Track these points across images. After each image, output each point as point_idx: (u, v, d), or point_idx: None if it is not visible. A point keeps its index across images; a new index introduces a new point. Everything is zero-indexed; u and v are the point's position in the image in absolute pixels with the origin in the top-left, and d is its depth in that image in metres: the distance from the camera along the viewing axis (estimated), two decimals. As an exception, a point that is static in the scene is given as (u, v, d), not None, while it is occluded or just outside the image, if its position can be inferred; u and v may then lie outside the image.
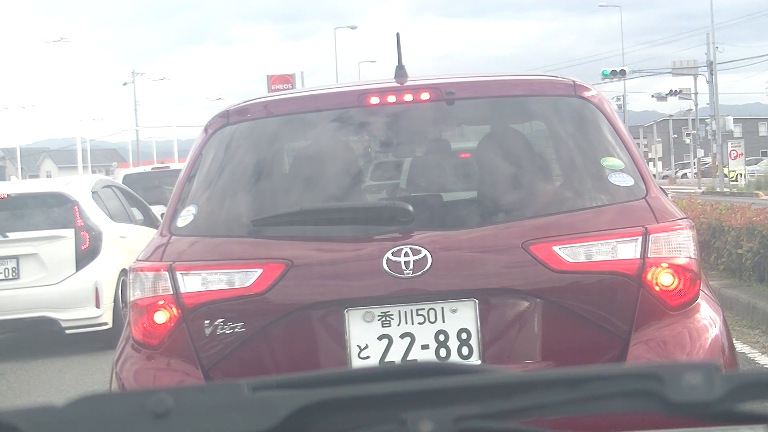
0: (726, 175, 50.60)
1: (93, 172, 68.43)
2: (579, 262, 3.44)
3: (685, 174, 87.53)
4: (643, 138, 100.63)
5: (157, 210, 12.29)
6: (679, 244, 3.50)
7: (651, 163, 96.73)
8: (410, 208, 3.48)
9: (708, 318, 3.52)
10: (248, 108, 3.97)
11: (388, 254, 3.43)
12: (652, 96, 66.35)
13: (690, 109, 72.70)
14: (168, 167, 20.79)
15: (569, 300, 3.44)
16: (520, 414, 1.22)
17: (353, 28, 68.44)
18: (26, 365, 10.48)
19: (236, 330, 3.48)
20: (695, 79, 60.09)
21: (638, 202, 3.58)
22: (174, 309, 3.52)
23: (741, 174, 52.09)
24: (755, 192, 43.51)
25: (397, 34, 4.10)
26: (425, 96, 3.82)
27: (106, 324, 10.76)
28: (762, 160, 77.61)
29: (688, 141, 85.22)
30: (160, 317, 3.53)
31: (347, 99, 3.93)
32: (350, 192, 3.86)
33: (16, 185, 12.52)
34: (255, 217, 3.64)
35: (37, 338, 12.30)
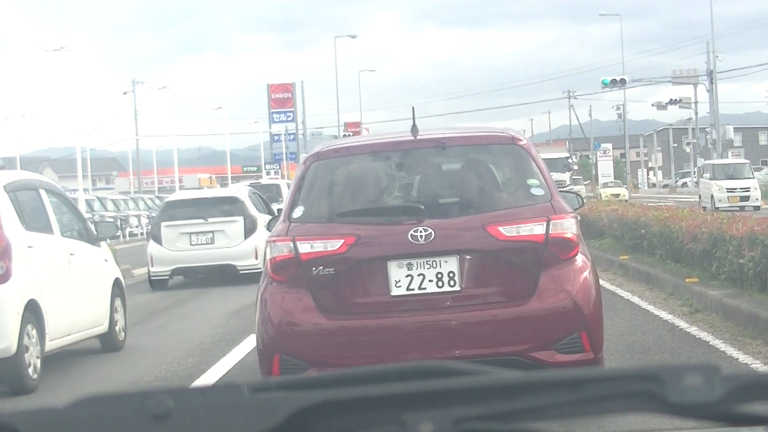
0: (726, 184, 50.48)
1: (93, 181, 68.36)
2: (513, 236, 6.39)
3: (685, 183, 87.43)
4: (643, 147, 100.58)
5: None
6: (567, 227, 6.46)
7: (651, 172, 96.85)
8: (422, 207, 6.50)
9: (582, 263, 6.49)
10: (330, 150, 6.94)
11: (411, 232, 6.38)
12: (652, 105, 66.44)
13: (690, 118, 72.80)
14: (260, 182, 33.81)
15: (508, 256, 6.39)
16: (520, 415, 1.22)
17: (353, 37, 68.61)
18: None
19: (329, 272, 6.39)
20: (695, 87, 60.21)
21: (546, 204, 6.52)
22: (294, 261, 6.43)
23: (741, 183, 51.96)
24: (755, 201, 43.40)
25: (413, 108, 6.85)
26: (429, 145, 6.79)
27: (260, 268, 14.78)
28: (762, 169, 77.53)
29: (688, 150, 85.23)
30: (287, 266, 6.46)
31: (387, 146, 6.96)
32: (389, 197, 6.89)
33: (209, 191, 24.46)
34: (338, 212, 6.58)
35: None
